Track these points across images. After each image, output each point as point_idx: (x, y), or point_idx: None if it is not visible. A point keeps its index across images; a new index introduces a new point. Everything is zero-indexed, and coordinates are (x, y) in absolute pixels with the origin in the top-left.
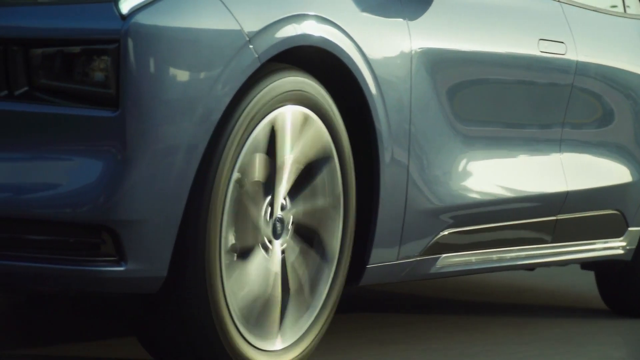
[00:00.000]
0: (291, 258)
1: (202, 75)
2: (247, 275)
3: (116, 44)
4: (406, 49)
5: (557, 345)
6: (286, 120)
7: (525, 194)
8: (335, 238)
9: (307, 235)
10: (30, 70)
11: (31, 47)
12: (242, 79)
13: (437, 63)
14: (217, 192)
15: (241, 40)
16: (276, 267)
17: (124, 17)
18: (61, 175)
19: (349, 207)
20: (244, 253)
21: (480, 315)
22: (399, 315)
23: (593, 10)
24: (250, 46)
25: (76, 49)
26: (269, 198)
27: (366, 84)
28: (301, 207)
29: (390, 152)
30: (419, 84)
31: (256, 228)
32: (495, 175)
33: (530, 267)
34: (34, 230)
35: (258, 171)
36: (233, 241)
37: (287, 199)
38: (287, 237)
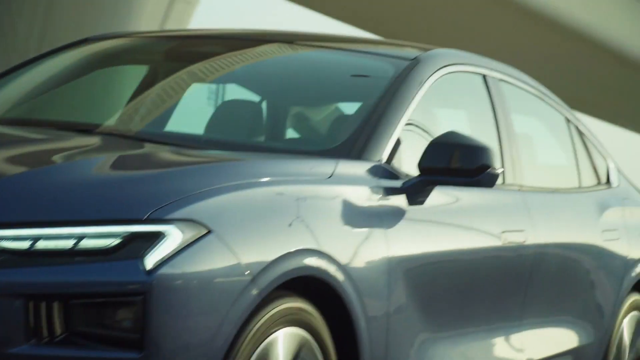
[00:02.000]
0: None
1: (214, 315)
2: None
3: (143, 295)
4: (384, 257)
5: None
6: (281, 340)
7: None
8: None
9: None
10: (69, 319)
11: (70, 299)
12: (247, 312)
13: (411, 266)
14: None
15: (246, 281)
16: None
17: (148, 272)
18: None
19: None
20: None
21: None
22: None
23: (552, 192)
24: (253, 285)
25: (108, 300)
26: None
27: (349, 299)
28: None
29: (370, 353)
30: (396, 290)
31: None
32: (462, 358)
33: None
34: None
35: None
36: None
37: None
38: None
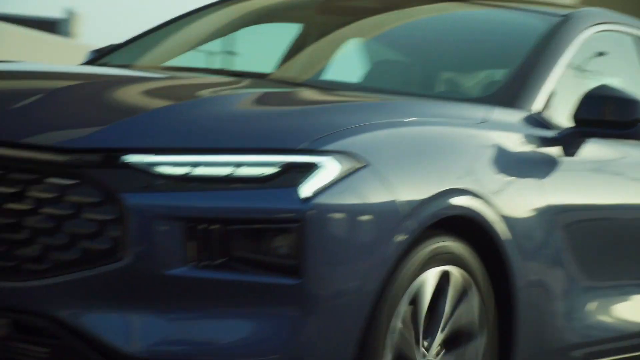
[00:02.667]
0: None
1: (369, 246)
2: None
3: (299, 222)
4: (540, 205)
5: None
6: (435, 277)
7: None
8: (476, 317)
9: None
10: (227, 244)
11: (229, 225)
12: (402, 247)
13: (566, 216)
14: (378, 342)
15: (400, 215)
16: None
17: (304, 200)
18: (250, 332)
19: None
20: None
21: None
22: None
23: None
24: (408, 220)
25: (266, 227)
26: (421, 344)
27: (503, 241)
28: (448, 333)
29: (526, 297)
30: (550, 238)
31: None
32: (617, 313)
33: None
34: None
35: (411, 320)
36: None
37: (435, 341)
38: None
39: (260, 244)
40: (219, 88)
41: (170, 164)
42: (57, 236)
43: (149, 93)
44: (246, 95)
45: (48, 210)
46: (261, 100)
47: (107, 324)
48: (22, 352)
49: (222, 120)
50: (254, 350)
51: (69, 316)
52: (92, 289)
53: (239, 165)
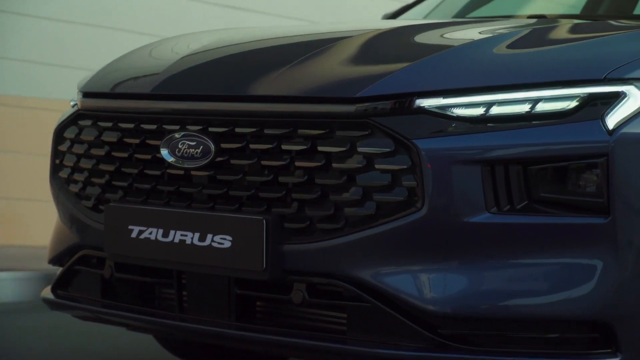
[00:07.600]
0: None
1: None
2: None
3: (605, 157)
4: None
5: None
6: None
7: None
8: None
9: None
10: (528, 185)
11: (530, 165)
12: None
13: None
14: None
15: None
16: None
17: (610, 132)
18: (557, 277)
19: None
20: None
21: None
22: None
23: None
24: None
25: (567, 164)
26: None
27: None
28: None
29: None
30: None
31: None
32: None
33: None
34: (530, 328)
35: None
36: None
37: None
38: None
39: (564, 183)
40: (509, 26)
41: (465, 106)
42: (349, 191)
43: (435, 38)
44: (544, 29)
45: (339, 165)
46: (558, 32)
47: (406, 281)
48: (318, 319)
49: (516, 55)
50: (561, 299)
51: (366, 276)
52: (389, 245)
53: (537, 101)
